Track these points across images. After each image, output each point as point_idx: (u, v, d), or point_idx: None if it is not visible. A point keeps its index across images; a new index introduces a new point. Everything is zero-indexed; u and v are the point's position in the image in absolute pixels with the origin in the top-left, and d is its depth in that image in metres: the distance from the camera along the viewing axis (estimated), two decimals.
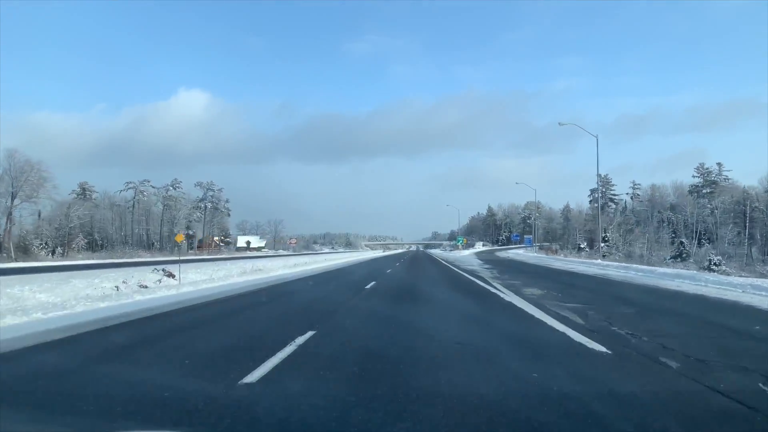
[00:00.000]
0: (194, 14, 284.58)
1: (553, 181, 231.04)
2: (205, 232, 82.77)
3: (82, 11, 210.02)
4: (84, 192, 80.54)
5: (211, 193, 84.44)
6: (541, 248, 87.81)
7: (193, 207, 76.32)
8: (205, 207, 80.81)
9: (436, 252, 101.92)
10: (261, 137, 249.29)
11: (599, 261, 32.42)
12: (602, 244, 41.36)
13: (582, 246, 51.68)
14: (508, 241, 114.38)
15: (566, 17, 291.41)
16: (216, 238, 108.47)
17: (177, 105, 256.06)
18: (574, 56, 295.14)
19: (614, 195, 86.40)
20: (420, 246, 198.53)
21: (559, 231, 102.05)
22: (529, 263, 35.18)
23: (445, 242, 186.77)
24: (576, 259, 37.05)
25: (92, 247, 53.98)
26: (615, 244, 64.97)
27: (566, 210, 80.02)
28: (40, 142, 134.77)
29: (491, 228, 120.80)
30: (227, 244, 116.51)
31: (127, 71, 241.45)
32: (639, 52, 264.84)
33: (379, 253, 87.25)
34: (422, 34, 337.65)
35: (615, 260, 35.18)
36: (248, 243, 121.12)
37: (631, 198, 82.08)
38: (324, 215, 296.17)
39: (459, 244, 61.46)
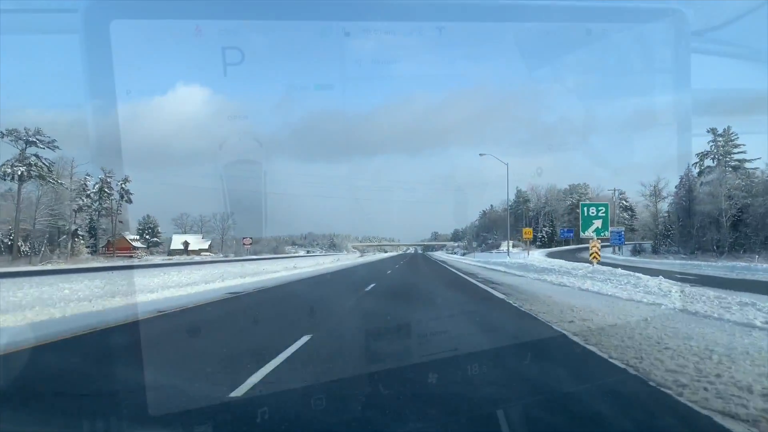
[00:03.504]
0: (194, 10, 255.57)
1: (560, 179, 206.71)
2: (33, 223, 48.05)
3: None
4: None
5: (34, 150, 43.08)
6: (652, 252, 56.01)
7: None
8: (19, 177, 39.99)
9: (443, 258, 70.21)
10: (258, 135, 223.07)
11: None
12: None
13: None
14: (551, 240, 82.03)
15: (575, 13, 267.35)
16: (130, 237, 75.17)
17: (175, 101, 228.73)
18: (584, 52, 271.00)
19: (741, 160, 54.37)
20: (419, 248, 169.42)
21: (628, 220, 70.50)
22: None
23: (449, 243, 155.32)
24: None
25: None
26: None
27: (685, 183, 47.27)
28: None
29: (522, 221, 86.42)
30: (155, 245, 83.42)
31: (125, 68, 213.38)
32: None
33: (351, 261, 53.24)
34: (428, 31, 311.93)
35: None
36: (186, 244, 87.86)
37: None
38: (312, 214, 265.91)
39: (601, 234, 18.78)
